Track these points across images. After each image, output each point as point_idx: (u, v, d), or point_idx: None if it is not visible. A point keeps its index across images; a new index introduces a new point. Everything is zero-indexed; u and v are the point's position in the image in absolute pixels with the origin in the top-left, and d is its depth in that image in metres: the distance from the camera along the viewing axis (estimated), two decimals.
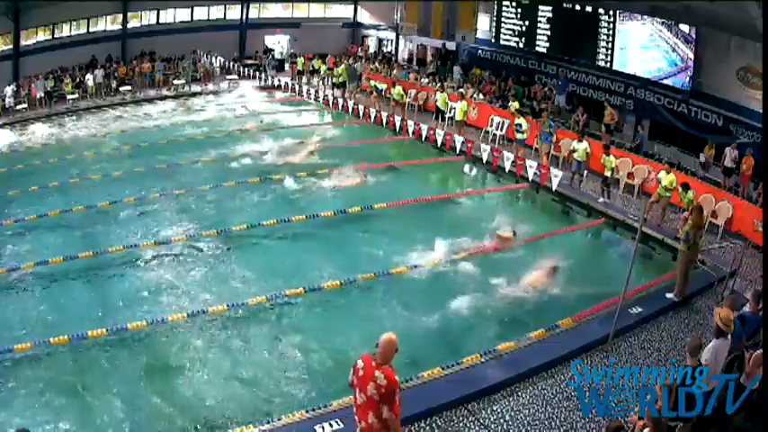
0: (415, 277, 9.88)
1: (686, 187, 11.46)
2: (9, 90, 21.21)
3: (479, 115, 18.77)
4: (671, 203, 12.40)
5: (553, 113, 17.80)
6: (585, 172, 14.12)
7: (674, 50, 16.18)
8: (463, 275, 9.98)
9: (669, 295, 9.32)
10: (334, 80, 23.53)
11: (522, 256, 10.69)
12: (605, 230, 12.30)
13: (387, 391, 4.79)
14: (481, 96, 20.22)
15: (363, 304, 9.13)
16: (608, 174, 13.08)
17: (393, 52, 29.10)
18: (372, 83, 21.56)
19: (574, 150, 13.87)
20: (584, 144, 13.67)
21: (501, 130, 17.75)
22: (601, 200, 13.27)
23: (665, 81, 16.62)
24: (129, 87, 23.92)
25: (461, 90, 19.62)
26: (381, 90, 21.02)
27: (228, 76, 25.95)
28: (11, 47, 22.48)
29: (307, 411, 6.49)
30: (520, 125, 15.81)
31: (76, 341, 7.79)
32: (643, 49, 17.07)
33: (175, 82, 25.05)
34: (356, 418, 5.05)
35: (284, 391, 7.11)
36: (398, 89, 20.50)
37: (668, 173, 12.03)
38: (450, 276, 9.98)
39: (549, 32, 19.93)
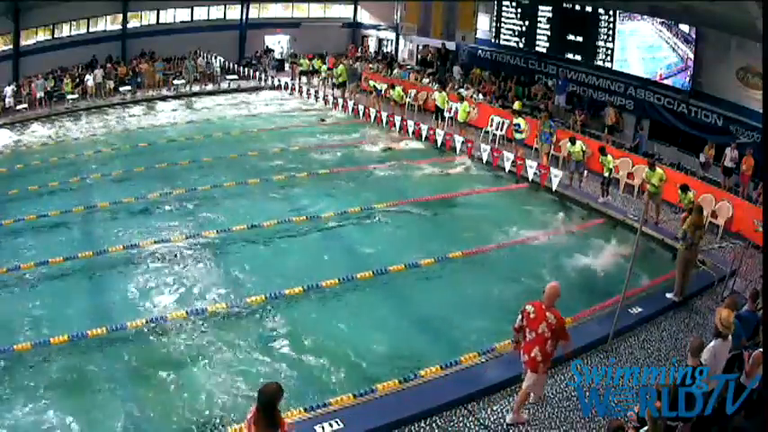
0: (413, 276, 9.87)
1: (685, 189, 11.46)
2: (9, 90, 21.23)
3: (479, 115, 18.76)
4: (672, 203, 12.37)
5: (552, 114, 17.78)
6: (585, 172, 14.12)
7: (674, 50, 16.17)
8: (461, 275, 9.99)
9: (669, 295, 9.32)
10: (335, 80, 23.53)
11: (521, 256, 10.70)
12: (605, 230, 12.29)
13: (557, 327, 6.03)
14: (481, 96, 20.20)
15: (362, 303, 9.14)
16: (606, 174, 13.09)
17: (393, 52, 29.09)
18: (372, 83, 21.55)
19: (570, 153, 13.90)
20: (579, 144, 13.70)
21: (501, 130, 17.74)
22: (601, 200, 13.27)
23: (664, 81, 16.60)
24: (128, 87, 23.93)
25: (461, 91, 19.60)
26: (380, 91, 21.00)
27: (229, 76, 25.96)
28: (11, 47, 22.50)
29: (307, 411, 6.48)
30: (518, 125, 15.81)
31: (76, 340, 7.79)
32: (643, 49, 17.06)
33: (175, 82, 25.05)
34: (521, 353, 6.30)
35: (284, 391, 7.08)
36: (398, 90, 20.48)
37: (652, 169, 12.03)
38: (448, 276, 9.99)
39: (549, 32, 19.90)
